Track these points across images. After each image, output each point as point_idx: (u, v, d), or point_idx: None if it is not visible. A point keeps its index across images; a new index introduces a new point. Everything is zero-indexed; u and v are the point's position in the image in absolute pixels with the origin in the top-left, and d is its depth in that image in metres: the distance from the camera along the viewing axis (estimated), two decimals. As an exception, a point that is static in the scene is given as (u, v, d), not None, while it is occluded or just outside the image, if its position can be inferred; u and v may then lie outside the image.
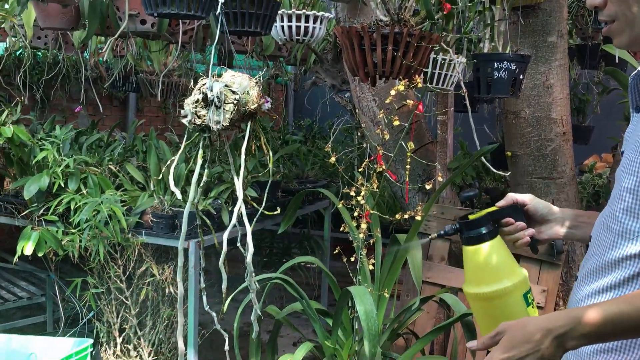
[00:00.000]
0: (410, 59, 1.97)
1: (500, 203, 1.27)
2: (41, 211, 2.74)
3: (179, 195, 1.45)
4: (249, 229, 1.45)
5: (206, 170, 1.51)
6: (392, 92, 2.04)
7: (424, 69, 2.09)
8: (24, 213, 2.81)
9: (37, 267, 3.59)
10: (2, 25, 3.22)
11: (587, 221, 1.29)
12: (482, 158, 2.45)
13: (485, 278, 1.17)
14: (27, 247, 2.47)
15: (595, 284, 1.14)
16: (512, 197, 1.28)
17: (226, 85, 1.36)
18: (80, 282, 2.75)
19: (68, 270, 3.40)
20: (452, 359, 2.43)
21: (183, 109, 1.38)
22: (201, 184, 1.55)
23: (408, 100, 2.08)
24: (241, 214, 1.46)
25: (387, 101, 2.07)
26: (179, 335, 1.43)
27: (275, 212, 1.75)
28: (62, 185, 2.69)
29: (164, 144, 3.17)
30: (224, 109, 1.34)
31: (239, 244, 1.64)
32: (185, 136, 1.46)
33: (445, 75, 2.34)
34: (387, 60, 1.99)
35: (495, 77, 2.02)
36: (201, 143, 1.43)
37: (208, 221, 2.11)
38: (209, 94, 1.34)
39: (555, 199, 2.71)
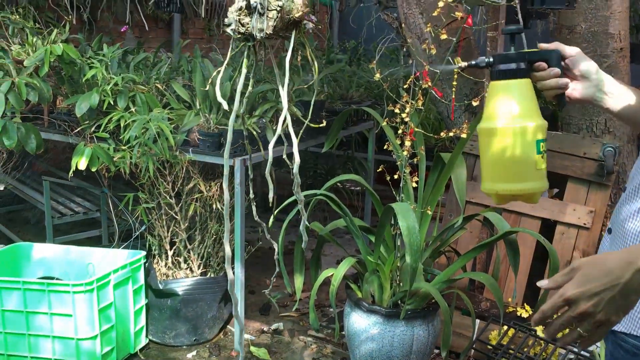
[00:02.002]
0: (460, -32, 1.90)
1: (543, 45, 1.22)
2: (92, 128, 2.82)
3: (225, 106, 1.46)
4: (295, 140, 1.45)
5: (251, 81, 1.50)
6: (441, 4, 1.97)
7: (474, -20, 2.01)
8: (76, 130, 2.90)
9: (91, 184, 3.73)
10: (47, -56, 3.21)
11: (624, 92, 1.22)
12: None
13: (504, 113, 1.16)
14: (80, 162, 2.56)
15: None
16: (557, 44, 1.22)
17: None
18: (132, 198, 2.85)
19: (120, 187, 3.53)
20: (493, 277, 2.45)
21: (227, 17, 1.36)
22: (247, 94, 1.55)
23: (457, 13, 2.00)
24: (287, 125, 1.46)
25: (435, 13, 2.01)
26: (226, 241, 1.48)
27: (321, 125, 1.75)
28: (112, 103, 2.75)
29: (209, 62, 3.18)
30: (267, 16, 1.32)
31: (284, 156, 1.66)
32: (231, 46, 1.45)
33: (497, -13, 2.24)
34: (436, -30, 1.92)
35: (550, -14, 1.92)
36: (246, 52, 1.42)
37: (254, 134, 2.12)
38: (252, 1, 1.32)
39: (608, 118, 2.63)
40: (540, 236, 2.30)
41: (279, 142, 1.90)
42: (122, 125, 2.73)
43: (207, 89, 2.26)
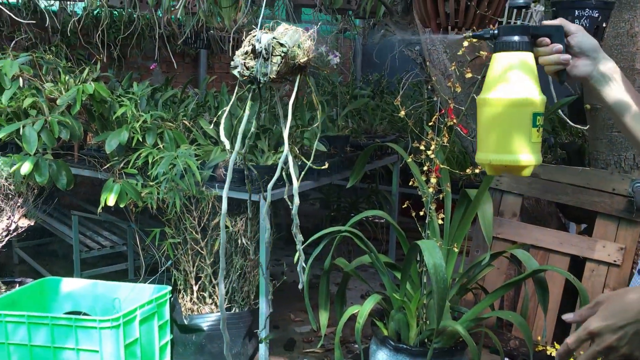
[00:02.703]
0: (485, 8, 1.91)
1: (547, 22, 1.22)
2: (121, 164, 2.87)
3: (227, 146, 1.49)
4: (295, 182, 1.47)
5: (254, 122, 1.54)
6: (465, 44, 1.99)
7: (498, 19, 2.02)
8: (105, 166, 2.96)
9: (119, 218, 3.78)
10: (80, -15, 3.33)
11: (620, 82, 1.20)
12: (559, 111, 2.36)
13: (503, 85, 1.17)
14: (109, 199, 2.60)
15: None
16: (560, 20, 1.22)
17: (274, 38, 1.37)
18: (158, 233, 2.88)
19: (147, 221, 3.57)
20: (522, 315, 2.41)
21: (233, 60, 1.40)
22: (249, 135, 1.58)
23: (481, 52, 2.01)
24: (288, 168, 1.48)
25: (459, 53, 2.02)
26: (220, 279, 1.49)
27: (323, 167, 1.76)
28: (140, 139, 2.80)
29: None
30: (271, 61, 1.35)
31: (286, 197, 1.67)
32: (237, 88, 1.49)
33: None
34: (460, 10, 1.94)
35: (575, 25, 1.93)
36: (250, 94, 1.46)
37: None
38: (257, 46, 1.35)
39: (637, 153, 2.59)
40: (570, 275, 2.27)
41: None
42: (150, 161, 2.78)
43: (211, 127, 2.30)
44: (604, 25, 1.98)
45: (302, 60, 1.39)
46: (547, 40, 1.19)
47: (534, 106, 1.16)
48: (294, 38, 1.38)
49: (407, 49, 3.48)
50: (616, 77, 1.20)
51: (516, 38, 1.18)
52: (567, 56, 1.19)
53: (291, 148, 1.59)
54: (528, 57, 1.18)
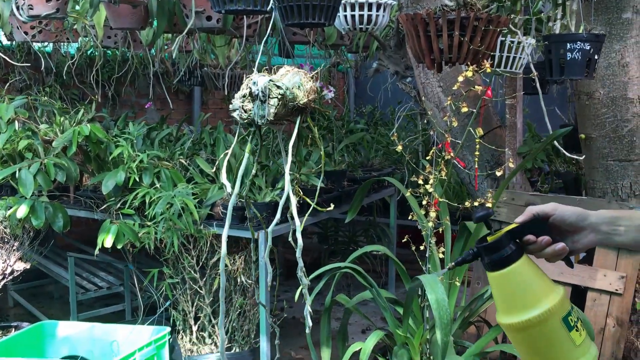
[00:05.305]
0: (478, 43, 1.93)
1: (520, 219, 1.10)
2: (118, 205, 2.86)
3: (228, 189, 1.48)
4: (298, 225, 1.46)
5: (254, 165, 1.54)
6: (460, 79, 2.01)
7: (492, 53, 2.05)
8: (102, 207, 2.94)
9: (116, 258, 3.74)
10: (74, 26, 3.35)
11: (628, 224, 1.10)
12: (555, 142, 2.38)
13: (515, 306, 1.05)
14: (107, 240, 2.58)
15: None
16: (531, 210, 1.11)
17: (271, 80, 1.38)
18: (156, 273, 2.85)
19: (145, 261, 3.54)
20: (526, 348, 2.38)
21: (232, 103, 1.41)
22: (250, 177, 1.58)
23: (476, 87, 2.03)
24: (291, 209, 1.48)
25: (455, 88, 2.04)
26: (221, 324, 1.48)
27: (329, 209, 1.75)
28: (137, 179, 2.79)
29: (231, 137, 3.24)
30: (268, 103, 1.36)
31: (290, 238, 1.65)
32: (238, 130, 1.49)
33: (514, 57, 2.28)
34: (454, 46, 1.96)
35: (568, 58, 1.95)
36: (250, 137, 1.46)
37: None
38: (254, 89, 1.36)
39: (634, 181, 2.60)
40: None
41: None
42: (147, 201, 2.76)
43: (216, 166, 2.30)
44: (596, 57, 2.01)
45: (302, 102, 1.40)
46: (532, 237, 1.08)
47: (559, 311, 1.04)
48: (293, 80, 1.39)
49: (401, 82, 3.52)
50: (621, 222, 1.10)
51: (502, 253, 1.06)
52: (561, 245, 1.08)
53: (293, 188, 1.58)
54: (523, 264, 1.06)
